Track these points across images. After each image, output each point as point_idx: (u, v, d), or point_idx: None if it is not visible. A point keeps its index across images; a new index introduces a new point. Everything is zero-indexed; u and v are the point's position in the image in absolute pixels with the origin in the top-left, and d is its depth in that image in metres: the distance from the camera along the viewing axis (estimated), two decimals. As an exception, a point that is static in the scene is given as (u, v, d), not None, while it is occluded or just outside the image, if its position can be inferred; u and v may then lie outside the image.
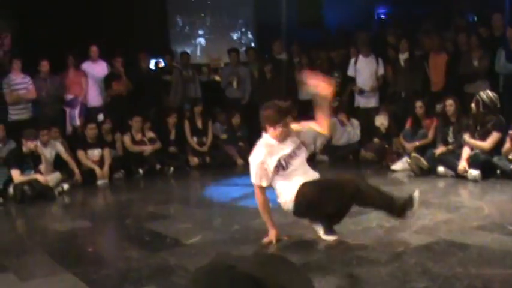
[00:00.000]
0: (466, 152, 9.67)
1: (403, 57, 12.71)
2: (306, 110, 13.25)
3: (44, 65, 12.56)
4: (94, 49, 13.29)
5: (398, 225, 6.75)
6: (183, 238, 6.83)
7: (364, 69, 12.87)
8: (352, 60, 13.08)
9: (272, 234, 6.37)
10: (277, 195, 6.30)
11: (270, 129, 6.25)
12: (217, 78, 15.54)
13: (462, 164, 9.52)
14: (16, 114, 12.15)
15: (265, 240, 6.38)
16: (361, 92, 12.88)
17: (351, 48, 13.54)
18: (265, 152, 6.18)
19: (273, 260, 1.51)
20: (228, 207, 8.19)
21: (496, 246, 5.76)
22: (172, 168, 12.43)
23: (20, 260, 6.57)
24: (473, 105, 9.73)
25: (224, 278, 1.39)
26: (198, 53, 18.18)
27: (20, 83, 12.15)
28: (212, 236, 6.92)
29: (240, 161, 12.63)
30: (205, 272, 1.45)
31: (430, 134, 11.01)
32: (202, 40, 18.78)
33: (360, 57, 12.95)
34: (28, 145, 10.26)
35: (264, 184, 6.21)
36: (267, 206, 6.37)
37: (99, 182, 11.48)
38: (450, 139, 10.35)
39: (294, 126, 6.48)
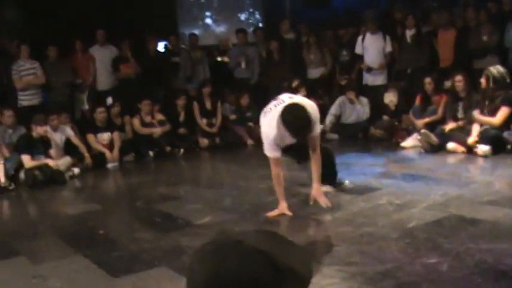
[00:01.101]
0: (476, 128, 9.63)
1: (410, 33, 12.63)
2: (314, 88, 13.33)
3: (52, 50, 12.61)
4: (101, 33, 13.29)
5: (408, 202, 6.77)
6: (193, 219, 6.85)
7: (372, 47, 12.80)
8: (360, 38, 13.01)
9: (283, 207, 6.50)
10: None
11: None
12: (226, 59, 15.49)
13: (473, 138, 9.48)
14: (26, 100, 12.18)
15: (275, 212, 6.47)
16: (369, 69, 12.83)
17: (359, 25, 13.48)
18: (277, 133, 6.20)
19: (274, 236, 1.51)
20: (238, 188, 8.19)
21: (506, 221, 5.75)
22: (182, 150, 12.43)
23: (31, 243, 6.61)
24: (483, 80, 9.67)
25: (232, 252, 1.39)
26: (206, 34, 18.12)
27: (29, 68, 12.17)
28: (223, 217, 6.93)
29: (249, 141, 12.63)
30: (212, 248, 1.44)
31: (440, 110, 10.96)
32: (210, 21, 18.74)
33: (368, 34, 12.88)
34: (38, 130, 10.29)
35: (278, 155, 6.36)
36: (280, 178, 6.52)
37: (110, 165, 11.50)
38: (460, 115, 10.31)
39: None
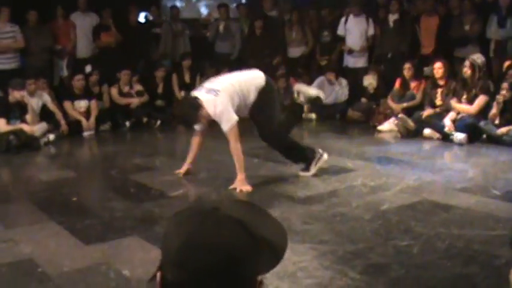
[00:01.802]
0: (451, 114, 9.70)
1: (392, 18, 12.62)
2: (294, 67, 13.33)
3: (33, 15, 12.43)
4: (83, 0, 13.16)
5: (383, 184, 6.83)
6: (167, 190, 6.86)
7: (354, 29, 12.78)
8: (343, 20, 12.98)
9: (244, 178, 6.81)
10: None
11: None
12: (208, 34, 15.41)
13: (447, 124, 9.54)
14: (3, 63, 12.03)
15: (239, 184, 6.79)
16: (351, 51, 12.82)
17: (343, 7, 13.45)
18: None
19: (251, 206, 1.51)
20: (213, 161, 8.19)
21: (478, 208, 5.82)
22: (159, 122, 12.39)
23: (4, 208, 6.60)
24: (467, 69, 9.69)
25: (208, 219, 1.39)
26: (188, 7, 18.00)
27: (8, 31, 12.03)
28: (197, 189, 6.98)
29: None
30: (188, 214, 1.44)
31: (418, 96, 11.00)
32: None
33: (351, 16, 12.84)
34: (15, 95, 10.20)
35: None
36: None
37: (85, 134, 11.43)
38: (438, 102, 10.36)
39: None
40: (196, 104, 6.71)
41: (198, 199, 1.60)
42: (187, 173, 7.49)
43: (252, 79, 6.98)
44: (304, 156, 7.38)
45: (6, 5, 12.11)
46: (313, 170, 7.30)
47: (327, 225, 5.39)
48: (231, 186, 6.76)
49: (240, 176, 6.80)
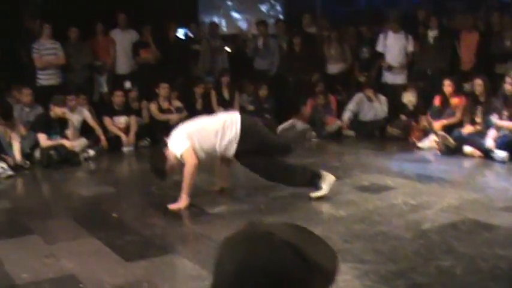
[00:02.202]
0: (492, 132, 9.58)
1: (432, 34, 12.56)
2: (333, 83, 13.31)
3: (73, 31, 12.59)
4: (122, 16, 13.26)
5: (423, 203, 6.76)
6: (207, 207, 6.87)
7: (394, 46, 12.72)
8: (382, 36, 12.93)
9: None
10: None
11: None
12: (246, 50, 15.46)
13: (489, 142, 9.42)
14: (45, 79, 12.19)
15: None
16: (390, 68, 12.76)
17: (381, 24, 13.41)
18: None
19: (303, 230, 1.51)
20: (253, 179, 8.17)
21: (522, 228, 5.74)
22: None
23: (45, 223, 6.65)
24: (507, 85, 9.59)
25: (263, 244, 1.38)
26: (226, 23, 18.11)
27: (50, 48, 12.17)
28: (237, 206, 6.95)
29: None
30: (242, 238, 1.44)
31: (458, 113, 10.88)
32: (230, 11, 18.72)
33: (390, 33, 12.79)
34: (56, 111, 10.30)
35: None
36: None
37: (125, 149, 11.51)
38: (478, 119, 10.24)
39: None
40: (162, 157, 7.01)
41: (251, 222, 1.58)
42: (222, 190, 7.51)
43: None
44: (308, 180, 7.15)
45: (48, 21, 12.26)
46: (325, 188, 7.07)
47: (368, 244, 5.35)
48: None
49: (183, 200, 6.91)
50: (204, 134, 6.90)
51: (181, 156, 6.81)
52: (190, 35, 15.06)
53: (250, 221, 1.50)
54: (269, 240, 1.39)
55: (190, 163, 6.81)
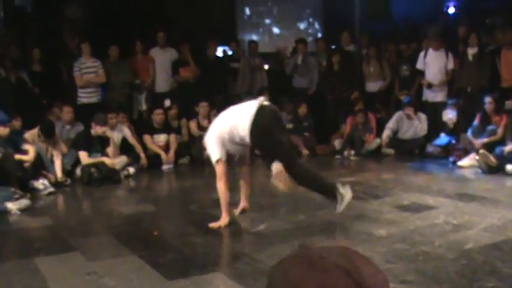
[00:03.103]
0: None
1: (471, 51, 12.46)
2: (372, 101, 13.25)
3: (114, 50, 12.75)
4: (161, 35, 13.38)
5: (465, 223, 6.68)
6: (248, 226, 6.86)
7: (434, 63, 12.65)
8: (422, 54, 12.86)
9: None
10: None
11: None
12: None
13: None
14: (85, 97, 12.36)
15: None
16: (430, 85, 12.68)
17: (421, 41, 13.36)
18: None
19: (354, 253, 1.49)
20: (293, 197, 8.15)
21: None
22: (237, 156, 12.41)
23: (86, 240, 6.69)
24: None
25: (316, 267, 1.37)
26: (265, 42, 18.15)
27: (90, 66, 12.34)
28: (278, 225, 6.92)
29: (305, 151, 12.53)
30: (296, 262, 1.43)
31: (500, 131, 10.77)
32: (269, 29, 18.78)
33: (430, 50, 12.72)
34: (97, 130, 10.40)
35: None
36: None
37: (165, 167, 11.58)
38: (520, 137, 10.15)
39: None
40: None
41: (302, 245, 1.57)
42: (243, 211, 7.39)
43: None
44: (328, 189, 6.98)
45: (86, 40, 12.42)
46: (339, 207, 6.86)
47: (410, 265, 5.30)
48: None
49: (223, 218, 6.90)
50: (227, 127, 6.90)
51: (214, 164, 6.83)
52: (229, 52, 15.12)
53: (301, 243, 1.49)
54: (322, 264, 1.38)
55: (218, 177, 6.85)
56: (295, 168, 6.86)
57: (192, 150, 12.02)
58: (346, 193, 6.85)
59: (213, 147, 6.84)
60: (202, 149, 7.59)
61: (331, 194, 6.89)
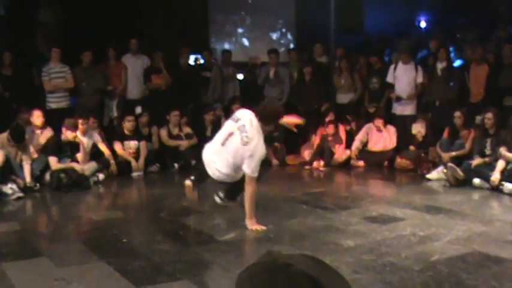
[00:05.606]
0: (500, 164, 9.57)
1: (440, 66, 12.58)
2: (342, 113, 13.32)
3: (87, 56, 12.69)
4: (134, 42, 13.35)
5: (432, 235, 6.76)
6: (217, 234, 6.88)
7: (403, 77, 12.75)
8: (392, 67, 12.98)
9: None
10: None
11: None
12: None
13: (495, 176, 9.43)
14: (54, 102, 12.33)
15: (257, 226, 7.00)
16: (398, 99, 12.79)
17: (392, 54, 13.47)
18: None
19: (320, 262, 1.53)
20: (262, 207, 8.18)
21: (531, 262, 5.73)
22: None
23: (55, 246, 6.69)
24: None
25: (282, 275, 1.40)
26: (237, 51, 18.17)
27: (59, 71, 12.33)
28: (246, 234, 6.95)
29: (275, 161, 12.58)
30: (261, 269, 1.46)
31: (468, 145, 10.88)
32: (241, 38, 18.83)
33: (400, 64, 12.84)
34: (67, 135, 10.37)
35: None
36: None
37: (134, 174, 11.56)
38: (487, 151, 10.25)
39: None
40: None
41: (269, 252, 1.59)
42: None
43: None
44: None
45: (59, 45, 12.39)
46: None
47: (376, 276, 5.36)
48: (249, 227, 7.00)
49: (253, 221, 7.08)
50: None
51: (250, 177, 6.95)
52: (201, 61, 15.12)
53: (268, 251, 1.52)
54: (288, 271, 1.41)
55: (254, 191, 7.00)
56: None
57: (164, 157, 12.05)
58: None
59: (258, 164, 6.95)
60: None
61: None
